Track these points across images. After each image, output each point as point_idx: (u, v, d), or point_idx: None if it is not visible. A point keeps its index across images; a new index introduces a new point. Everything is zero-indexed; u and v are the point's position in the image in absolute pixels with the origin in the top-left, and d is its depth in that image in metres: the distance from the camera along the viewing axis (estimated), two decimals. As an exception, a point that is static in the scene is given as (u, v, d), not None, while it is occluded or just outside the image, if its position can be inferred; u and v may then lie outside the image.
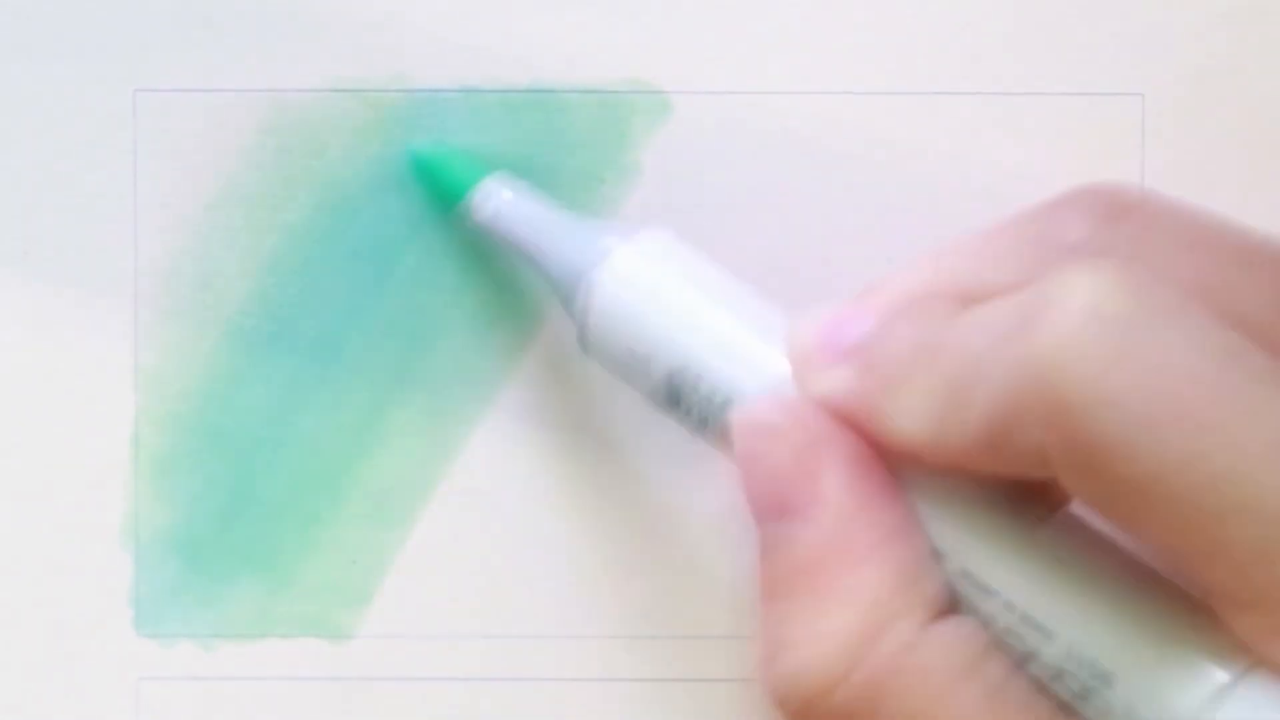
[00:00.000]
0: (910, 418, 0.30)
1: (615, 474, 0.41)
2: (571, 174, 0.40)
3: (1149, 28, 0.40)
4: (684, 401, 0.34)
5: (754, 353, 0.33)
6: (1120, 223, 0.31)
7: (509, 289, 0.40)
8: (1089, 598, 0.29)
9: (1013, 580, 0.30)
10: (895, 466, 0.31)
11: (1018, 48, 0.40)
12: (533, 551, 0.41)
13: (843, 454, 0.31)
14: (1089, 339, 0.27)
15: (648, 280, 0.34)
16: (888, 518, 0.30)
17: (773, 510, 0.31)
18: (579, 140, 0.40)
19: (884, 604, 0.30)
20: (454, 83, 0.40)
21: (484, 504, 0.41)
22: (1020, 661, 0.30)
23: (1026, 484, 0.30)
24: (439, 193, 0.39)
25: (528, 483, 0.41)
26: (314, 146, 0.40)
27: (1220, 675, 0.28)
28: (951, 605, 0.30)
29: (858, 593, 0.30)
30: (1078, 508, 0.30)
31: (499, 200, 0.38)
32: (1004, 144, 0.40)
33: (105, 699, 0.41)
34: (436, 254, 0.40)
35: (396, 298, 0.40)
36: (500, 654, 0.41)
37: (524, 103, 0.40)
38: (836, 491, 0.30)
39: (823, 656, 0.30)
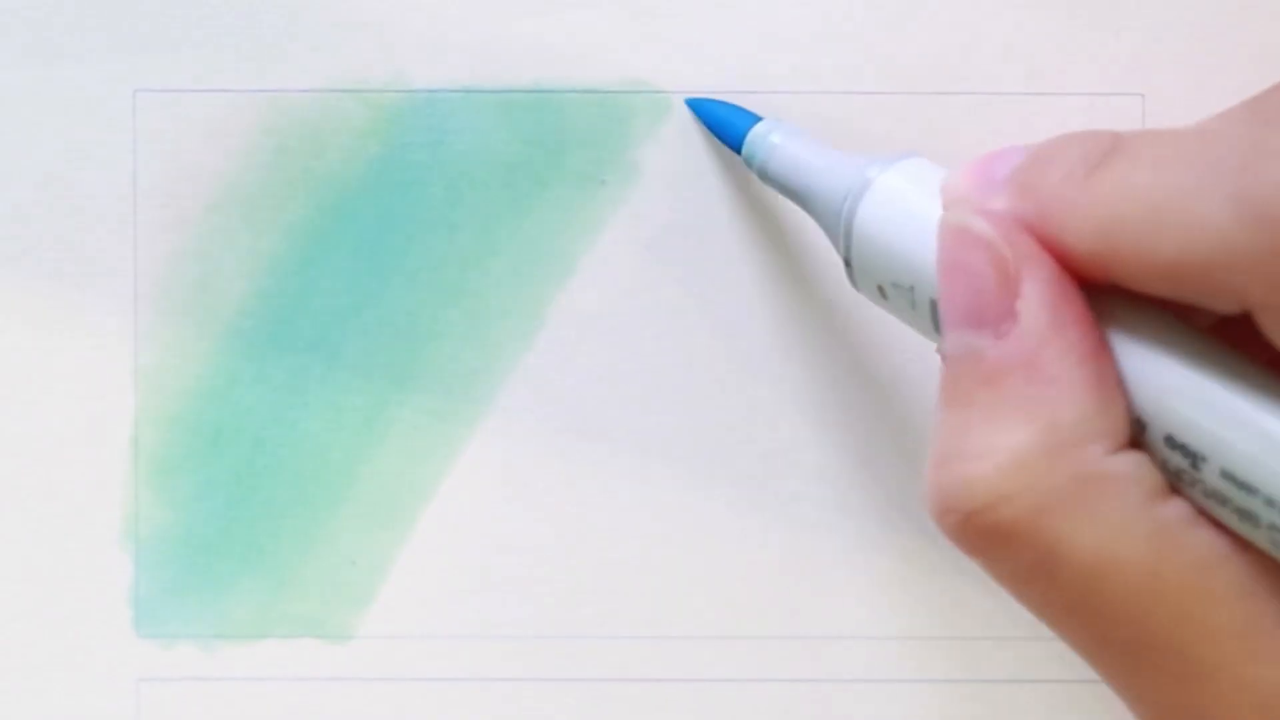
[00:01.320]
0: (1075, 234, 0.29)
1: (614, 475, 0.41)
2: (571, 174, 0.40)
3: (1149, 28, 0.40)
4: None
5: None
6: None
7: (508, 288, 0.40)
8: None
9: (1207, 420, 0.29)
10: (1091, 297, 0.30)
11: (1018, 48, 0.40)
12: (533, 552, 0.41)
13: (1044, 275, 0.30)
14: None
15: (902, 207, 0.33)
16: (1082, 343, 0.30)
17: (968, 318, 0.30)
18: (579, 140, 0.40)
19: (1066, 426, 0.29)
20: (454, 83, 0.40)
21: (484, 504, 0.41)
22: (1204, 498, 0.29)
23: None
24: (726, 142, 0.39)
25: (528, 483, 0.41)
26: (314, 146, 0.40)
27: None
28: (1134, 440, 0.30)
29: (1042, 411, 0.29)
30: None
31: (767, 147, 0.38)
32: (1004, 144, 0.40)
33: (105, 699, 0.41)
34: (436, 254, 0.40)
35: (396, 298, 0.40)
36: (500, 654, 0.41)
37: (524, 103, 0.40)
38: (1034, 309, 0.30)
39: (995, 470, 0.29)
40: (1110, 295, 0.30)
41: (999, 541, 0.29)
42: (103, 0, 0.40)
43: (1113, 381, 0.30)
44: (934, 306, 0.32)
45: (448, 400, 0.40)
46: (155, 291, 0.40)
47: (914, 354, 0.40)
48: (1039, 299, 0.30)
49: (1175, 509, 0.29)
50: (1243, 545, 0.29)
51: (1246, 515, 0.29)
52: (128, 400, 0.40)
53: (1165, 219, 0.28)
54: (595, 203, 0.40)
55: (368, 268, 0.40)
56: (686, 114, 0.40)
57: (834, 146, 0.37)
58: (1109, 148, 0.30)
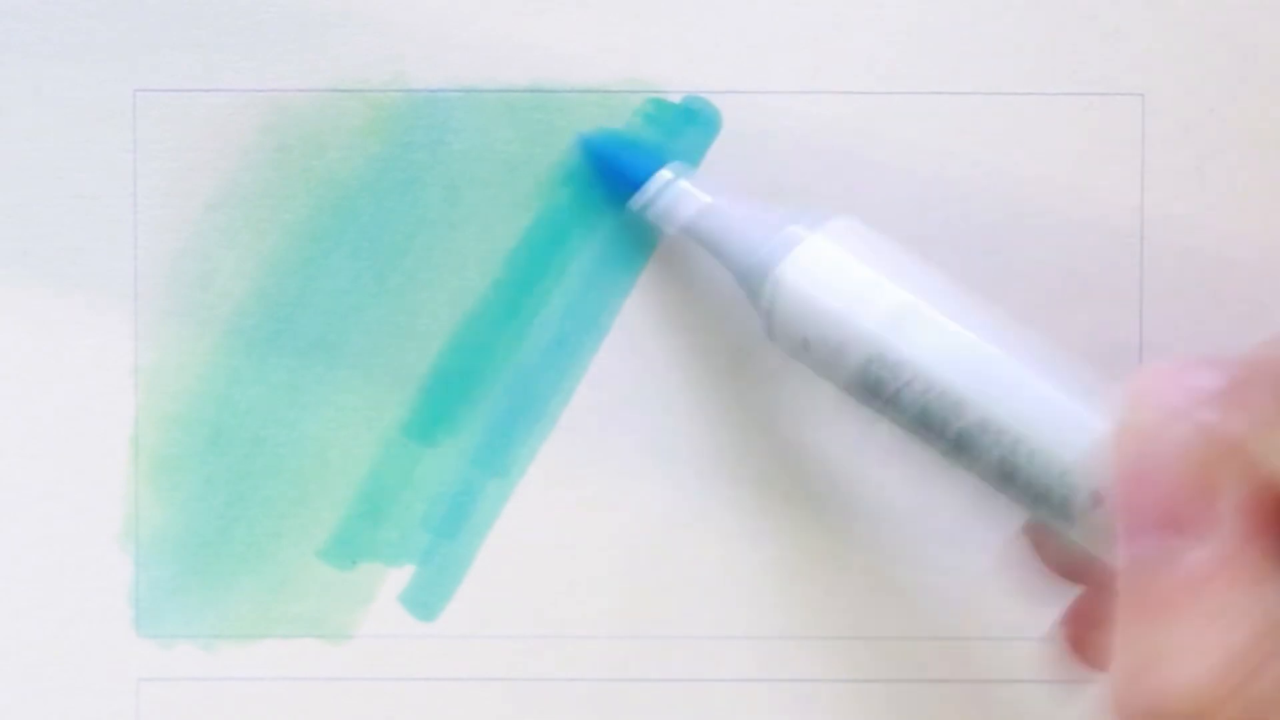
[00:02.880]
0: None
1: (607, 475, 0.41)
2: (571, 174, 0.40)
3: (1149, 28, 0.40)
4: (884, 389, 0.33)
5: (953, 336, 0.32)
6: None
7: (508, 288, 0.40)
8: None
9: None
10: None
11: (1018, 48, 0.40)
12: (533, 552, 0.41)
13: (1242, 476, 0.29)
14: None
15: (837, 270, 0.33)
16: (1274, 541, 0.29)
17: (1159, 524, 0.29)
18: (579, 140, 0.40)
19: (1272, 633, 0.28)
20: (454, 83, 0.40)
21: (484, 503, 0.41)
22: None
23: None
24: (610, 184, 0.39)
25: (528, 482, 0.41)
26: (314, 146, 0.40)
27: None
28: None
29: (1253, 611, 0.28)
30: None
31: (675, 192, 0.38)
32: (1004, 144, 0.40)
33: (105, 699, 0.41)
34: (436, 254, 0.40)
35: (396, 298, 0.40)
36: (500, 654, 0.41)
37: (524, 103, 0.40)
38: (1236, 511, 0.29)
39: (1208, 672, 0.28)
40: None
41: None
42: (103, 0, 0.40)
43: None
44: (866, 366, 0.32)
45: (448, 400, 0.40)
46: (155, 291, 0.40)
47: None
48: (1240, 503, 0.29)
49: None
50: None
51: None
52: (128, 400, 0.40)
53: None
54: (596, 203, 0.40)
55: (368, 268, 0.40)
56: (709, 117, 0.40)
57: (738, 196, 0.37)
58: None
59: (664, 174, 0.38)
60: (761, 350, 0.40)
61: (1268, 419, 0.29)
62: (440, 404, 0.40)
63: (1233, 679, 0.28)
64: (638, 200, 0.38)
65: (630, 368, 0.40)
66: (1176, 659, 0.28)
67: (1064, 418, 0.32)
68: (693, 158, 0.40)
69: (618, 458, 0.41)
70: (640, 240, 0.40)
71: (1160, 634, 0.29)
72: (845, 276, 0.33)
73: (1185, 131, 0.40)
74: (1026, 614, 0.40)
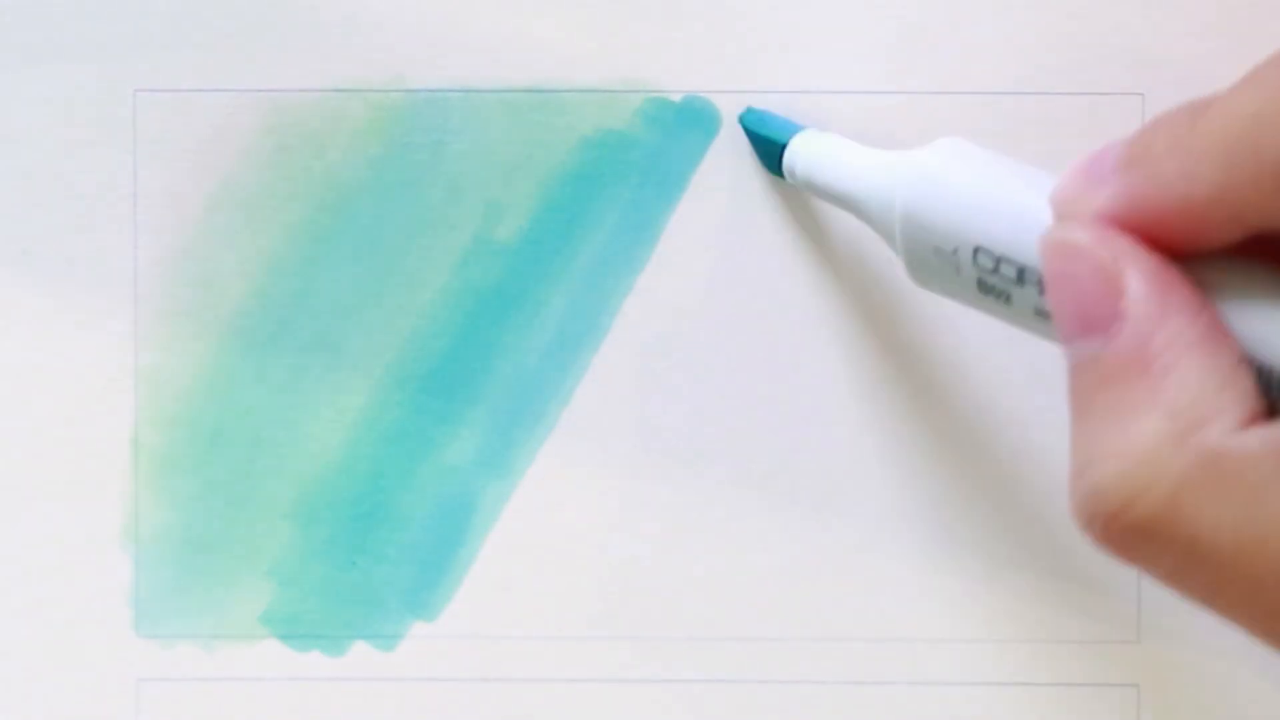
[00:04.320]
0: (1193, 178, 0.29)
1: (607, 475, 0.41)
2: (572, 174, 0.40)
3: (1149, 28, 0.40)
4: (994, 287, 0.33)
5: (1044, 219, 0.32)
6: None
7: (509, 286, 0.40)
8: None
9: None
10: (1200, 275, 0.30)
11: (1018, 48, 0.40)
12: (534, 552, 0.41)
13: (1144, 267, 0.30)
14: None
15: (940, 180, 0.34)
16: (1192, 326, 0.30)
17: (1079, 328, 0.30)
18: (579, 140, 0.40)
19: (1188, 410, 0.29)
20: (454, 83, 0.40)
21: (484, 503, 0.41)
22: None
23: None
24: (769, 160, 0.40)
25: (530, 481, 0.41)
26: (314, 146, 0.40)
27: None
28: (1268, 411, 0.29)
29: (1161, 400, 0.29)
30: None
31: (804, 160, 0.38)
32: (1004, 144, 0.40)
33: (105, 699, 0.41)
34: (436, 254, 0.40)
35: (396, 298, 0.40)
36: (501, 654, 0.41)
37: (524, 103, 0.40)
38: (1139, 304, 0.30)
39: (1125, 467, 0.29)
40: (1233, 268, 0.30)
41: (1144, 539, 0.29)
42: (103, 0, 0.40)
43: (1232, 358, 0.30)
44: (977, 260, 0.33)
45: (448, 400, 0.40)
46: (155, 291, 0.40)
47: (957, 361, 0.40)
48: (1143, 294, 0.30)
49: None
50: None
51: None
52: (128, 400, 0.40)
53: (1273, 114, 0.29)
54: (597, 203, 0.40)
55: (368, 268, 0.40)
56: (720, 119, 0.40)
57: (865, 145, 0.37)
58: (1209, 99, 0.30)
59: (796, 141, 0.38)
60: (763, 349, 0.40)
61: (1172, 154, 0.30)
62: (440, 404, 0.40)
63: (1148, 471, 0.29)
64: (787, 169, 0.39)
65: (631, 367, 0.40)
66: (1098, 460, 0.29)
67: None
68: (693, 158, 0.40)
69: (618, 458, 0.40)
70: (640, 240, 0.40)
71: (1088, 436, 0.30)
72: (945, 186, 0.34)
73: (1185, 131, 0.40)
74: (1027, 615, 0.40)
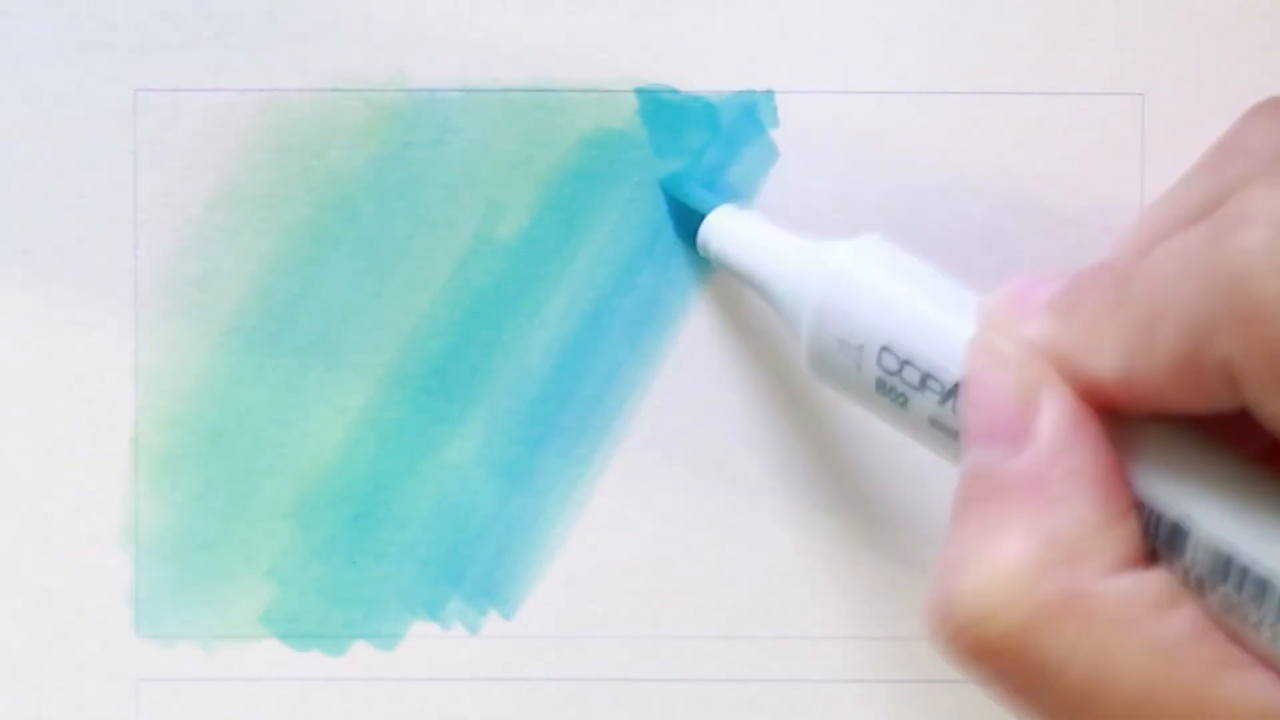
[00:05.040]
0: (1104, 356, 0.30)
1: (620, 477, 0.41)
2: (572, 174, 0.40)
3: (1149, 28, 0.40)
4: (892, 389, 0.33)
5: (959, 331, 0.33)
6: None
7: (509, 286, 0.40)
8: None
9: (1230, 529, 0.29)
10: (1109, 421, 0.31)
11: (1018, 48, 0.40)
12: (534, 552, 0.41)
13: (1062, 400, 0.30)
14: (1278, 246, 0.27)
15: (859, 275, 0.34)
16: (1092, 465, 0.30)
17: (985, 434, 0.31)
18: (579, 140, 0.40)
19: (1063, 544, 0.29)
20: (454, 83, 0.40)
21: (483, 502, 0.41)
22: (1231, 619, 0.29)
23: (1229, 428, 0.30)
24: (683, 230, 0.40)
25: (531, 480, 0.41)
26: (314, 146, 0.40)
27: None
28: (1146, 561, 0.30)
29: (1041, 527, 0.29)
30: None
31: (719, 235, 0.38)
32: (1004, 144, 0.40)
33: (105, 699, 0.41)
34: (436, 254, 0.40)
35: (396, 298, 0.40)
36: (500, 654, 0.41)
37: (524, 103, 0.40)
38: (1050, 429, 0.30)
39: (984, 584, 0.29)
40: (1144, 425, 0.31)
41: (987, 658, 0.29)
42: (103, 0, 0.40)
43: (1123, 505, 0.30)
44: (881, 360, 0.33)
45: (448, 400, 0.40)
46: (155, 291, 0.40)
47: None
48: (1054, 421, 0.30)
49: (1179, 624, 0.29)
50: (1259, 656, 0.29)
51: (1255, 625, 0.29)
52: (128, 400, 0.40)
53: (1159, 314, 0.29)
54: (597, 202, 0.40)
55: (368, 268, 0.40)
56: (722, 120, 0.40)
57: (784, 230, 0.37)
58: (1134, 269, 0.30)
59: (713, 216, 0.38)
60: (763, 348, 0.40)
61: (1091, 324, 0.30)
62: (440, 403, 0.40)
63: (1009, 592, 0.29)
64: (700, 243, 0.39)
65: (631, 366, 0.40)
66: (964, 570, 0.30)
67: None
68: (693, 158, 0.40)
69: (625, 459, 0.41)
70: (640, 239, 0.40)
71: (959, 543, 0.30)
72: (858, 285, 0.34)
73: (1185, 132, 0.40)
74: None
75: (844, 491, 0.40)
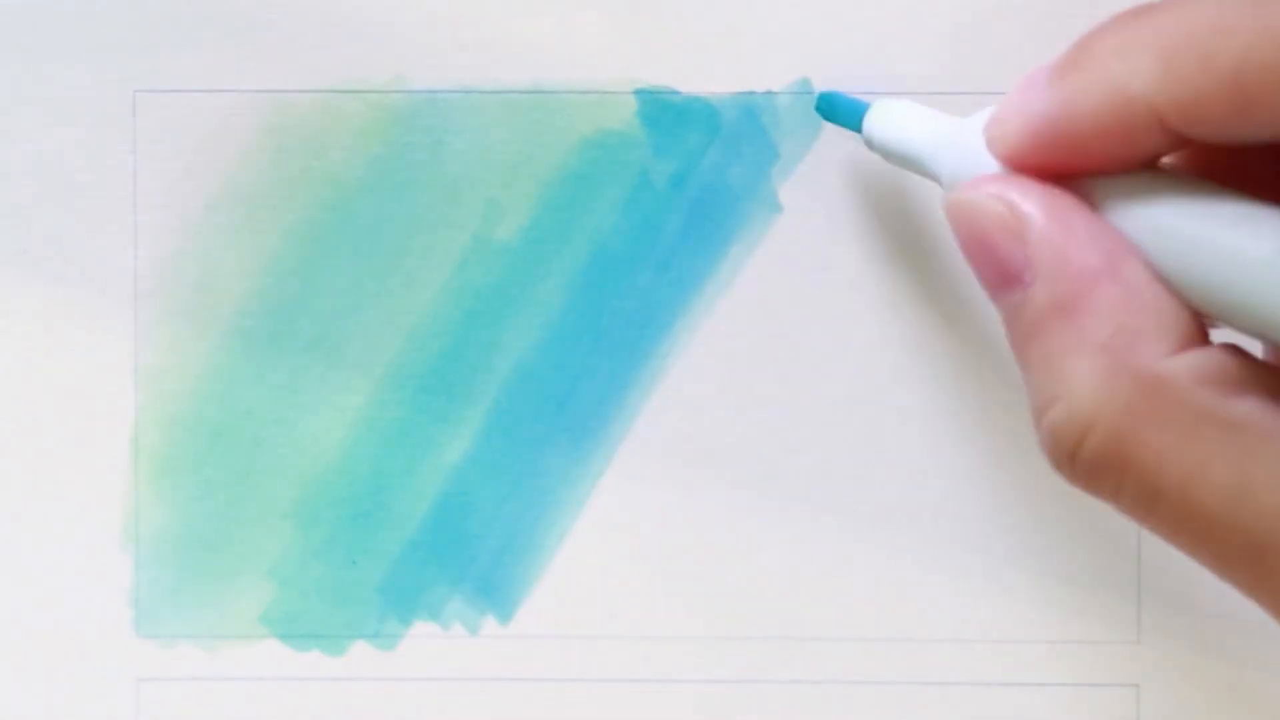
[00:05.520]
0: (1132, 75, 0.29)
1: (618, 477, 0.41)
2: (572, 174, 0.40)
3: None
4: None
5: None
6: None
7: (509, 286, 0.40)
8: None
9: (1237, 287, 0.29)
10: (1113, 194, 0.31)
11: (1018, 48, 0.40)
12: (533, 551, 0.41)
13: (1043, 209, 0.31)
14: None
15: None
16: (1101, 262, 0.30)
17: (995, 284, 0.31)
18: (579, 140, 0.40)
19: (1109, 348, 0.29)
20: (454, 83, 0.40)
21: (484, 501, 0.41)
22: None
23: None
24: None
25: (535, 478, 0.41)
26: (314, 146, 0.40)
27: None
28: (1198, 329, 0.30)
29: (1085, 338, 0.30)
30: None
31: (873, 129, 0.38)
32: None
33: (105, 699, 0.41)
34: (436, 254, 0.40)
35: (396, 298, 0.40)
36: (501, 653, 0.41)
37: (524, 103, 0.40)
38: (1042, 249, 0.30)
39: (1069, 409, 0.30)
40: (1150, 184, 0.30)
41: (1102, 473, 0.30)
42: (103, 0, 0.40)
43: (1147, 283, 0.30)
44: None
45: (448, 400, 0.40)
46: (155, 291, 0.40)
47: (959, 361, 0.40)
48: (1043, 237, 0.30)
49: (1248, 403, 0.29)
50: None
51: None
52: (128, 400, 0.40)
53: (1229, 25, 0.29)
54: (597, 202, 0.40)
55: (368, 268, 0.40)
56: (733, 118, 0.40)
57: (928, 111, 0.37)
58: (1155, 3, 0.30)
59: (869, 115, 0.38)
60: (764, 348, 0.40)
61: (1107, 51, 0.30)
62: (440, 403, 0.40)
63: (1090, 409, 0.30)
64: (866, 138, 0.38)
65: (630, 366, 0.40)
66: (1047, 404, 0.30)
67: None
68: (693, 158, 0.40)
69: (625, 459, 0.41)
70: (640, 239, 0.40)
71: (1033, 382, 0.31)
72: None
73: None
74: (1027, 615, 0.40)
75: (844, 491, 0.40)
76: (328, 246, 0.40)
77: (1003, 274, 0.31)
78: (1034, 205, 0.31)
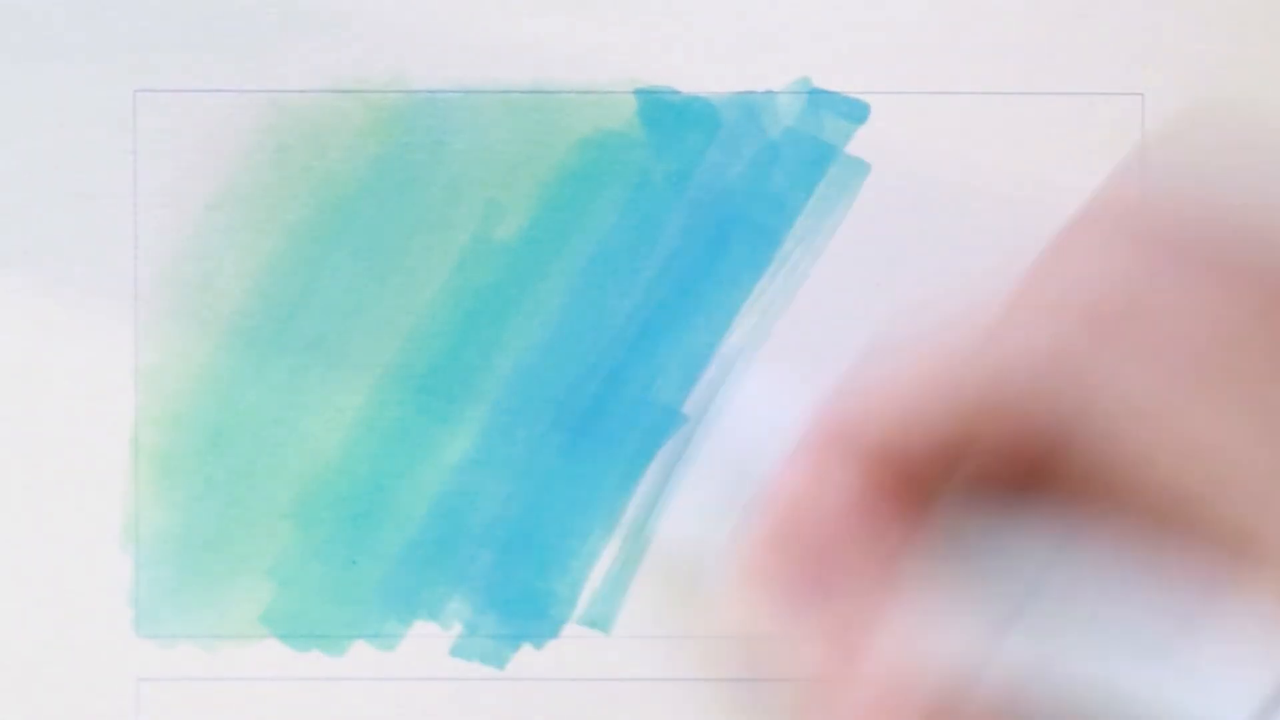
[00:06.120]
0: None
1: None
2: (572, 174, 0.40)
3: (1149, 28, 0.40)
4: None
5: None
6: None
7: (509, 286, 0.40)
8: None
9: None
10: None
11: (1018, 48, 0.40)
12: (532, 553, 0.41)
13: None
14: None
15: None
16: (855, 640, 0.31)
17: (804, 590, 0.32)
18: (579, 140, 0.40)
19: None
20: (454, 83, 0.40)
21: (485, 500, 0.41)
22: None
23: None
24: None
25: (535, 477, 0.41)
26: (314, 146, 0.40)
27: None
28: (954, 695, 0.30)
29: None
30: None
31: None
32: (1004, 144, 0.40)
33: (105, 699, 0.41)
34: (436, 254, 0.40)
35: (396, 298, 0.40)
36: (499, 652, 0.41)
37: (524, 103, 0.40)
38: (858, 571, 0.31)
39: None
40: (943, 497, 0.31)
41: None
42: (103, 0, 0.40)
43: (902, 663, 0.30)
44: None
45: (448, 400, 0.40)
46: (155, 291, 0.40)
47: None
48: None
49: None
50: None
51: None
52: (128, 400, 0.40)
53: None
54: (597, 202, 0.40)
55: (368, 268, 0.40)
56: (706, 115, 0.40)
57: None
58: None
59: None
60: (763, 347, 0.40)
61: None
62: (440, 403, 0.40)
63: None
64: None
65: (631, 366, 0.40)
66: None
67: None
68: (693, 158, 0.40)
69: (623, 460, 0.41)
70: (641, 239, 0.40)
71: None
72: None
73: (1185, 131, 0.40)
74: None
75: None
76: (328, 246, 0.40)
77: (816, 584, 0.31)
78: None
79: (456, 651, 0.41)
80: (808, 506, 0.31)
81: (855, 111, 0.40)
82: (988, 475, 0.31)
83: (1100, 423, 0.29)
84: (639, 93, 0.40)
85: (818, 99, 0.40)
